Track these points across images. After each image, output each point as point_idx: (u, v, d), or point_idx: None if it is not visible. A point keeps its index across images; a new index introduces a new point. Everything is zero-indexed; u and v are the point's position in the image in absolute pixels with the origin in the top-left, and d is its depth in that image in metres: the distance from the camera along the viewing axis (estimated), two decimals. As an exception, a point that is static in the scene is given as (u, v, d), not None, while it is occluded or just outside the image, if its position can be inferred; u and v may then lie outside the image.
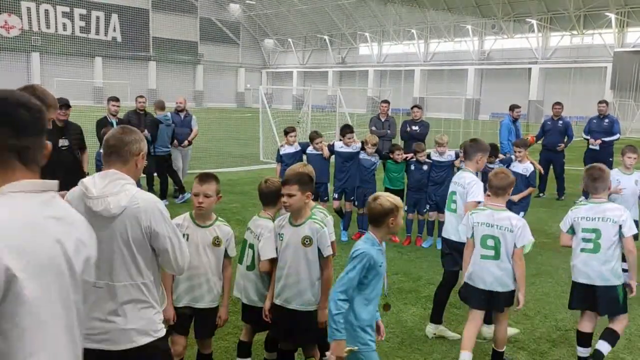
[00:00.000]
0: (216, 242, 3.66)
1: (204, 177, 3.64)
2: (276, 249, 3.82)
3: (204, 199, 3.56)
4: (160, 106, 10.90)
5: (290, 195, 3.63)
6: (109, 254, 2.60)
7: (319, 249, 3.70)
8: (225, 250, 3.75)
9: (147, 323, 2.66)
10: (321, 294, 3.74)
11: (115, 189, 2.60)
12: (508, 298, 4.33)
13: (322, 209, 4.16)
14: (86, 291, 1.81)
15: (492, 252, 4.30)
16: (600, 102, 12.14)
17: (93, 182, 2.63)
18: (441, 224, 8.04)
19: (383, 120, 11.35)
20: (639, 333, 5.34)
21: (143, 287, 2.66)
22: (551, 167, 12.01)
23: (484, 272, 4.32)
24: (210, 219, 3.72)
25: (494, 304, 4.35)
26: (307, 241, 3.66)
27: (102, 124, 9.18)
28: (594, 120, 11.95)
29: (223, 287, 3.79)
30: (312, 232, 3.67)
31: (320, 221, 3.74)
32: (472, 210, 4.52)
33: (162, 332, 2.75)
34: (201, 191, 3.56)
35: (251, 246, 3.99)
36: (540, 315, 5.69)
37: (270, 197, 4.05)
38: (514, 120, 11.81)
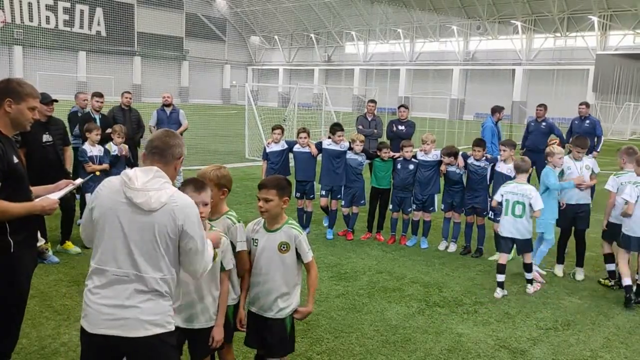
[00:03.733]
0: None
1: (200, 186, 3.24)
2: (249, 252, 3.64)
3: (203, 208, 3.17)
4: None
5: (267, 200, 3.49)
6: (140, 245, 2.67)
7: (298, 255, 3.59)
8: (222, 263, 3.43)
9: (162, 315, 2.73)
10: (308, 294, 3.64)
11: (157, 185, 2.69)
12: None
13: (232, 214, 3.63)
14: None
15: None
16: (580, 104, 12.27)
17: (135, 175, 2.70)
18: (426, 223, 8.16)
19: (370, 119, 11.40)
20: (617, 332, 5.45)
21: (165, 282, 2.74)
22: (534, 168, 12.09)
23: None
24: (205, 228, 3.27)
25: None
26: (283, 247, 3.54)
27: (85, 120, 9.09)
28: (576, 122, 12.07)
29: (218, 305, 3.43)
30: (289, 238, 3.54)
31: (298, 227, 3.63)
32: (616, 173, 6.54)
33: (173, 326, 2.81)
34: (200, 201, 3.16)
35: (520, 202, 6.20)
36: (522, 314, 5.78)
37: (524, 168, 6.42)
38: (497, 122, 11.87)
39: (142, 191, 2.66)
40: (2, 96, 3.44)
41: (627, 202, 6.11)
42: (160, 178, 2.73)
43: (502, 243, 6.47)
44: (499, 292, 6.26)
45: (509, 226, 6.35)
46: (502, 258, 6.40)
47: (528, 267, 6.44)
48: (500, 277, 6.30)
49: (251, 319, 3.68)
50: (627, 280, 6.12)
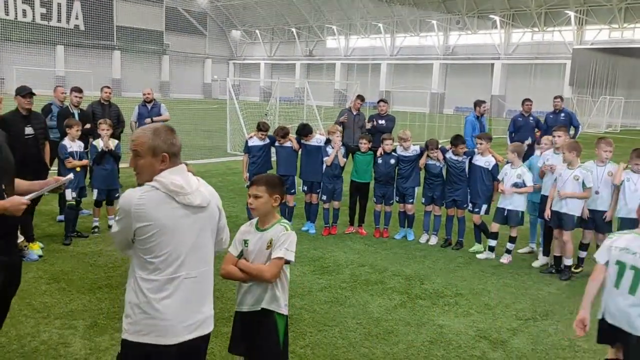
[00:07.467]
0: None
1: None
2: (240, 254, 3.49)
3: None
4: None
5: (256, 197, 3.38)
6: (202, 243, 2.75)
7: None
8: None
9: (211, 306, 2.90)
10: (250, 267, 3.34)
11: (197, 181, 2.78)
12: None
13: None
14: None
15: None
16: (555, 98, 12.37)
17: (186, 181, 2.70)
18: (409, 216, 8.23)
19: (355, 114, 11.39)
20: (595, 320, 5.56)
21: (211, 271, 2.88)
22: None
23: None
24: None
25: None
26: (269, 243, 3.38)
27: (64, 115, 8.96)
28: (550, 116, 12.12)
29: None
30: (275, 235, 3.38)
31: (289, 225, 3.48)
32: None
33: None
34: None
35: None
36: (502, 305, 5.87)
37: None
38: (479, 117, 11.90)
39: (196, 192, 2.71)
40: None
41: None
42: (190, 173, 2.81)
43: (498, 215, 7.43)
44: (488, 254, 7.51)
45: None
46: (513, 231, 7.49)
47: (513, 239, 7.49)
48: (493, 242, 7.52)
49: (238, 322, 3.52)
50: (569, 261, 6.89)
